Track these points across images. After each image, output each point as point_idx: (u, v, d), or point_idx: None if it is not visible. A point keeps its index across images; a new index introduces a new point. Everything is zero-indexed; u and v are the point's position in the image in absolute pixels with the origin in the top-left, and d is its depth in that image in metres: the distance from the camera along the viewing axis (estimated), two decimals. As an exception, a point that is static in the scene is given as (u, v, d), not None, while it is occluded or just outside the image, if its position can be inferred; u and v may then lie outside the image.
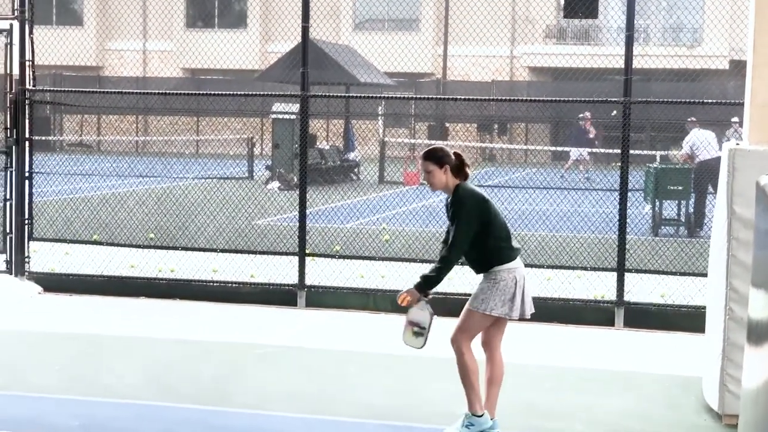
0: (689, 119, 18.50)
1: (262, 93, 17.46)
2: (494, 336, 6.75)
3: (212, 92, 16.69)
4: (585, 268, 11.56)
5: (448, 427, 6.71)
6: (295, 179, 23.54)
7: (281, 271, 11.60)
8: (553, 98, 20.68)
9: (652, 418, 7.35)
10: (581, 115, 29.52)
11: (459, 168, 6.61)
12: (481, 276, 6.66)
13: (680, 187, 17.41)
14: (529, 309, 6.67)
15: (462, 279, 11.61)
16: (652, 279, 11.27)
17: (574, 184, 24.99)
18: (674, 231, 17.53)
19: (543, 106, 32.14)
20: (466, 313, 6.65)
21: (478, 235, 6.53)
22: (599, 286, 11.18)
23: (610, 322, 10.42)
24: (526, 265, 11.61)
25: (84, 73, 40.97)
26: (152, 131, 40.37)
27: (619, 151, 10.93)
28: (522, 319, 6.69)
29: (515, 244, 6.67)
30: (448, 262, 6.52)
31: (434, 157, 6.61)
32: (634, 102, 10.59)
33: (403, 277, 11.69)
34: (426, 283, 6.56)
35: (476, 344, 6.78)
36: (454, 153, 6.62)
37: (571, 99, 18.38)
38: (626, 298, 10.50)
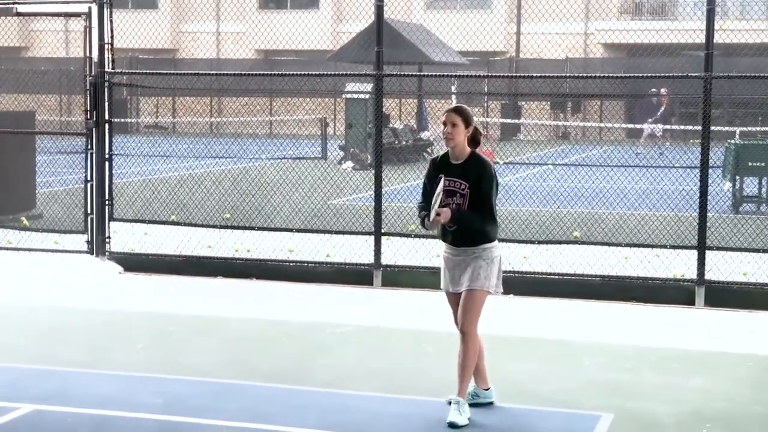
0: None
1: (335, 73, 17.49)
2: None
3: (286, 72, 16.77)
4: (664, 246, 11.39)
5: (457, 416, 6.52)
6: (369, 158, 23.58)
7: (356, 250, 11.63)
8: (631, 74, 20.36)
9: (736, 399, 7.22)
10: (653, 90, 29.07)
11: (473, 138, 6.68)
12: (460, 250, 6.58)
13: (762, 164, 17.07)
14: None
15: (539, 258, 11.54)
16: (734, 257, 11.06)
17: (650, 161, 24.64)
18: (755, 208, 17.20)
19: (619, 83, 31.71)
20: (474, 296, 6.56)
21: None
22: (679, 265, 11.01)
23: (690, 302, 10.26)
24: (604, 244, 11.50)
25: (159, 56, 41.45)
26: (227, 112, 40.71)
27: (696, 127, 10.73)
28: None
29: None
30: (486, 222, 6.52)
31: (464, 113, 6.64)
32: (716, 77, 10.37)
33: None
34: (461, 220, 6.52)
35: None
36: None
37: (649, 75, 18.03)
38: (707, 276, 10.32)
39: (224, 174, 21.67)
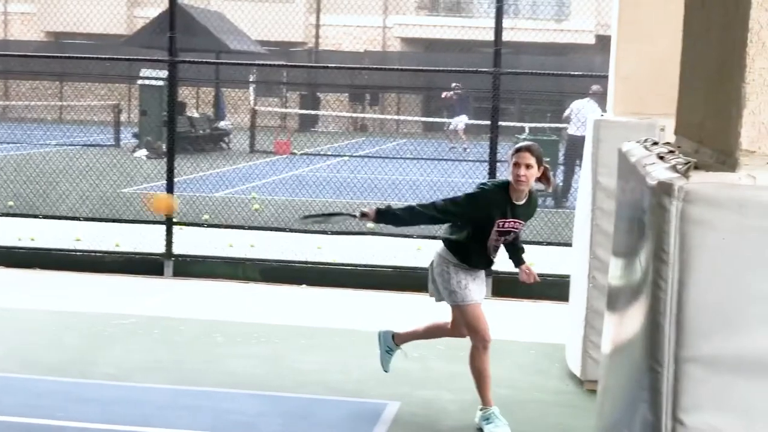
0: (592, 87, 18.10)
1: (128, 57, 17.04)
2: None
3: (76, 55, 16.20)
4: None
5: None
6: (164, 147, 23.12)
7: (148, 240, 11.36)
8: (425, 68, 20.80)
9: (517, 385, 7.46)
10: (454, 85, 29.77)
11: (545, 175, 6.33)
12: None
13: (546, 159, 17.68)
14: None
15: (332, 248, 11.57)
16: (519, 248, 11.42)
17: (452, 156, 25.23)
18: (541, 201, 17.81)
19: (415, 77, 32.28)
20: None
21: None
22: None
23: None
24: (397, 236, 11.66)
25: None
26: (12, 96, 39.01)
27: (488, 122, 11.05)
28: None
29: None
30: None
31: (538, 152, 6.11)
32: (503, 73, 10.70)
33: (272, 246, 11.60)
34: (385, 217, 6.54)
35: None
36: None
37: (441, 69, 18.49)
38: (494, 267, 10.60)
39: (6, 160, 20.74)
